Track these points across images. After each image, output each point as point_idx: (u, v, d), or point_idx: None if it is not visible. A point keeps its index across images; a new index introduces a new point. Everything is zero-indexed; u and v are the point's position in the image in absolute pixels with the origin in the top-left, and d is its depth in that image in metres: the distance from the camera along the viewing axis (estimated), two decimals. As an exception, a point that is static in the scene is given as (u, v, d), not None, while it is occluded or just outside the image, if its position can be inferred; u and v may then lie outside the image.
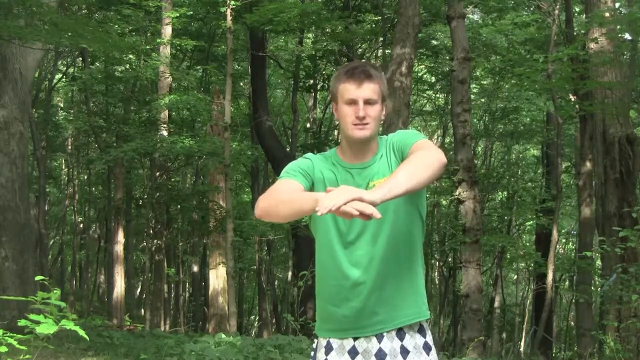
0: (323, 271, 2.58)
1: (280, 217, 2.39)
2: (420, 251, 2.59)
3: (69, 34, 10.27)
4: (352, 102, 2.47)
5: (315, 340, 2.63)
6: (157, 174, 17.16)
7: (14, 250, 10.86)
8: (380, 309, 2.48)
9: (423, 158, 2.32)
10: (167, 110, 15.94)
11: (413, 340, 2.52)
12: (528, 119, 20.75)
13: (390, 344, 2.49)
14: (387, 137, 2.62)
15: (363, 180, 2.51)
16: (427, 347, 2.54)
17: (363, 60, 2.99)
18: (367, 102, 2.47)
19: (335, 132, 23.14)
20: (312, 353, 2.62)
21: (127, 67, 16.17)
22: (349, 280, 2.48)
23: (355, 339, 2.51)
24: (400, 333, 2.50)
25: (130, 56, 15.37)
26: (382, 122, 2.64)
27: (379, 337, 2.49)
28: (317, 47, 17.14)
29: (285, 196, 2.38)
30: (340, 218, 2.42)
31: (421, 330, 2.55)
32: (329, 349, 2.54)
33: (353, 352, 2.50)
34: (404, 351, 2.49)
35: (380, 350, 2.48)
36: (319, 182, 2.55)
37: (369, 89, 2.47)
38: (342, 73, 2.53)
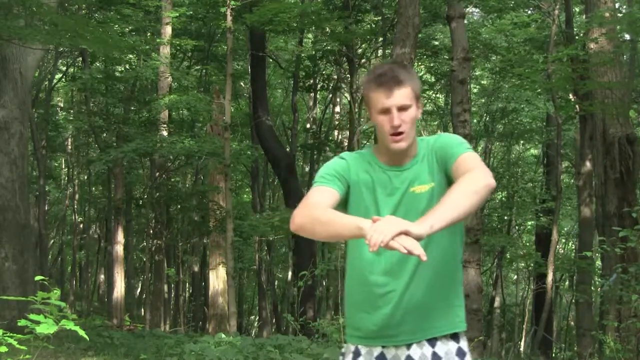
0: (353, 276, 2.52)
1: (317, 236, 2.33)
2: (459, 261, 2.53)
3: (69, 34, 10.27)
4: (386, 111, 2.40)
5: (344, 345, 2.58)
6: (157, 174, 17.16)
7: (14, 250, 10.87)
8: (411, 318, 2.42)
9: (470, 184, 2.24)
10: (167, 110, 15.94)
11: (445, 347, 2.45)
12: (528, 119, 20.73)
13: (420, 350, 2.43)
14: (429, 140, 2.55)
15: (402, 183, 2.45)
16: (461, 353, 2.46)
17: (392, 64, 2.76)
18: (401, 108, 2.40)
19: (335, 133, 23.15)
20: (341, 358, 2.57)
21: (127, 67, 16.17)
22: (381, 288, 2.43)
23: (383, 346, 2.45)
24: (432, 341, 2.44)
25: (130, 56, 15.37)
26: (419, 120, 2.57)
27: (408, 345, 2.43)
28: (316, 47, 17.14)
29: (322, 215, 2.29)
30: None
31: (454, 337, 2.47)
32: (356, 354, 2.50)
33: (381, 358, 2.45)
34: (436, 357, 2.43)
35: (409, 357, 2.43)
36: (354, 185, 2.48)
37: (400, 96, 2.39)
38: (371, 80, 2.45)
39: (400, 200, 2.44)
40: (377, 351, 2.46)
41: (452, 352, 2.44)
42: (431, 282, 2.43)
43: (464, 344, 2.49)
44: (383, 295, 2.43)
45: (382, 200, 2.45)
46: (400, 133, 2.40)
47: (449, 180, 2.41)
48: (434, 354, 2.42)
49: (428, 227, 2.10)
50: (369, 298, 2.46)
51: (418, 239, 2.06)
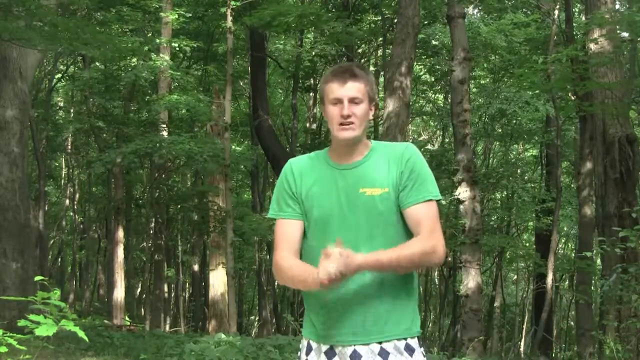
0: None
1: (304, 288, 2.52)
2: None
3: (69, 34, 10.25)
4: (337, 102, 2.47)
5: (302, 340, 2.65)
6: (157, 174, 17.14)
7: (14, 250, 10.87)
8: (355, 321, 2.44)
9: (423, 254, 2.39)
10: (167, 111, 15.90)
11: (392, 344, 2.46)
12: (527, 119, 20.72)
13: (367, 346, 2.45)
14: (393, 145, 2.59)
15: (348, 182, 2.48)
16: (409, 349, 2.47)
17: (351, 62, 2.95)
18: (352, 100, 2.45)
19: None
20: (298, 353, 2.64)
21: (126, 67, 16.13)
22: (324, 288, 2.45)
23: (332, 344, 2.50)
24: (384, 354, 2.45)
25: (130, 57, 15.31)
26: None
27: (355, 352, 2.45)
28: (315, 50, 17.12)
29: (295, 272, 2.47)
30: (328, 229, 2.46)
31: (408, 349, 2.47)
32: (309, 349, 2.56)
33: (330, 353, 2.50)
34: (384, 352, 2.44)
35: (355, 352, 2.45)
36: (302, 191, 2.55)
37: (353, 88, 2.45)
38: (328, 74, 2.54)
39: (347, 200, 2.47)
40: (325, 347, 2.51)
41: (399, 347, 2.45)
42: (382, 285, 2.45)
43: (412, 341, 2.49)
44: (326, 295, 2.46)
45: (326, 197, 2.49)
46: (350, 123, 2.45)
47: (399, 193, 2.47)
48: (381, 348, 2.44)
49: (368, 266, 2.33)
50: (316, 297, 2.51)
51: (354, 268, 2.28)
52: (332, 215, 2.47)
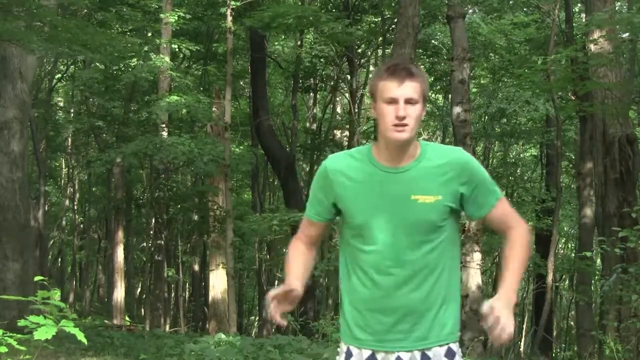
0: (345, 278, 2.52)
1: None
2: (457, 271, 2.50)
3: (69, 35, 10.24)
4: (393, 101, 2.34)
5: (340, 345, 2.57)
6: (155, 174, 17.14)
7: (14, 250, 10.88)
8: (403, 327, 2.39)
9: (529, 242, 2.54)
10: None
11: (433, 351, 2.42)
12: (525, 119, 20.73)
13: (410, 353, 2.41)
14: (444, 149, 2.50)
15: (400, 187, 2.39)
16: (450, 353, 2.43)
17: (405, 59, 2.79)
18: (408, 101, 2.33)
19: (335, 132, 23.13)
20: (337, 357, 2.57)
21: (126, 67, 16.12)
22: (373, 292, 2.41)
23: (374, 351, 2.44)
24: (425, 359, 2.42)
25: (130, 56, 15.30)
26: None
27: (398, 358, 2.42)
28: (314, 51, 17.11)
29: (286, 264, 2.57)
30: (373, 235, 2.40)
31: (449, 354, 2.44)
32: (348, 355, 2.49)
33: (372, 359, 2.44)
34: (425, 357, 2.41)
35: (398, 358, 2.40)
36: (340, 193, 2.45)
37: (410, 88, 2.34)
38: (383, 70, 2.41)
39: (396, 206, 2.38)
40: (367, 353, 2.44)
41: (440, 353, 2.42)
42: (425, 296, 2.40)
43: (453, 345, 2.46)
44: (374, 300, 2.41)
45: (371, 202, 2.41)
46: (405, 125, 2.34)
47: (461, 202, 2.49)
48: (423, 354, 2.41)
49: (513, 299, 2.37)
50: (358, 302, 2.45)
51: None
52: (377, 222, 2.39)
